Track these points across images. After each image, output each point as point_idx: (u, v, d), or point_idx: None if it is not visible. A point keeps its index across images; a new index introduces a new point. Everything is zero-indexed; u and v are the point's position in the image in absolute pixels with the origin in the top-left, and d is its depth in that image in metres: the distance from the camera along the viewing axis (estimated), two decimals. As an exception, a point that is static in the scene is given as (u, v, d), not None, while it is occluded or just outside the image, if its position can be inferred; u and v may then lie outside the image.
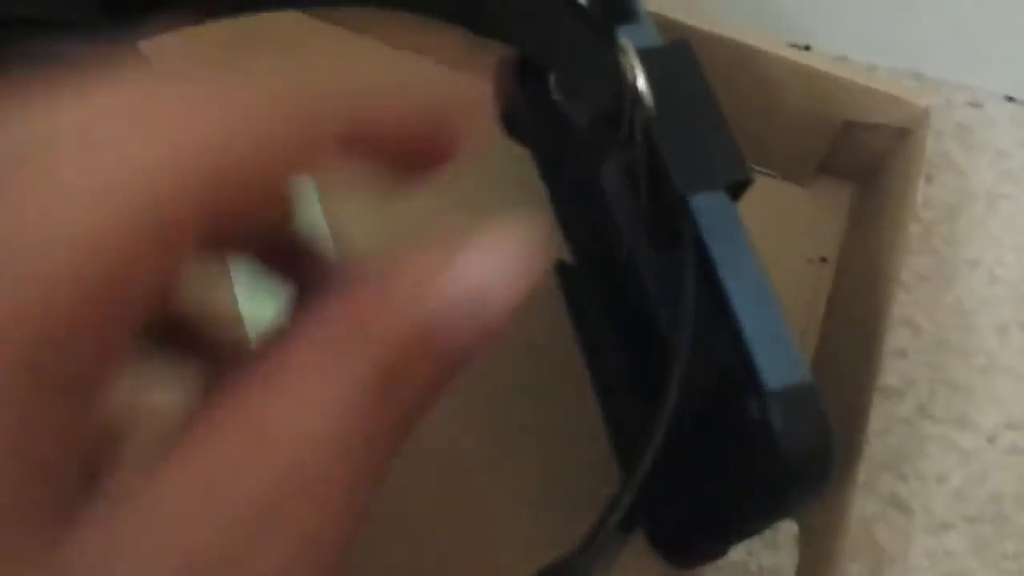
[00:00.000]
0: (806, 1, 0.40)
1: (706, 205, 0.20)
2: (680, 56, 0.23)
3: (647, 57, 0.22)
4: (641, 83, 0.21)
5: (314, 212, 0.34)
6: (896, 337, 0.34)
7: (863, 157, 0.35)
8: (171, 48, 0.31)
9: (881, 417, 0.32)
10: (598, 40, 0.24)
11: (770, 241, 0.35)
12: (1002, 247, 0.36)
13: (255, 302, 0.31)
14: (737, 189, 0.21)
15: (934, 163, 0.38)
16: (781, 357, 0.18)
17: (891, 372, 0.33)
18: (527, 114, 0.36)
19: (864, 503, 0.31)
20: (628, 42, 0.22)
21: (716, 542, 0.22)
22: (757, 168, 0.37)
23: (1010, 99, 0.40)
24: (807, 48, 0.42)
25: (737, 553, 0.31)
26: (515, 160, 0.36)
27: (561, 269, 0.32)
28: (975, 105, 0.40)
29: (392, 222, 0.34)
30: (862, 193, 0.36)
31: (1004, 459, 0.32)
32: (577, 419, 0.31)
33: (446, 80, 0.17)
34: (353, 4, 0.33)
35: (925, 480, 0.32)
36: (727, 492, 0.21)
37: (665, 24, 0.32)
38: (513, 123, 0.36)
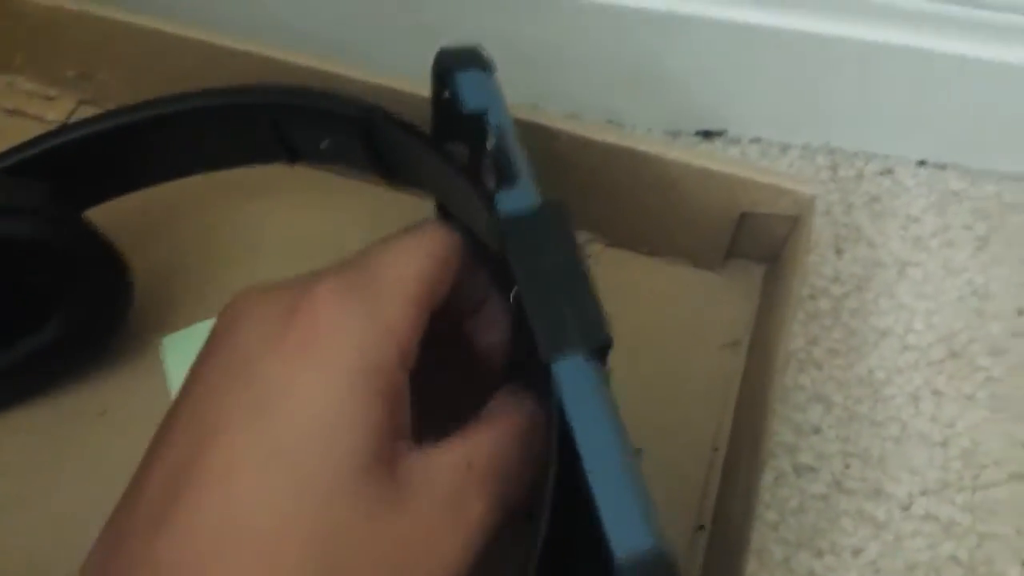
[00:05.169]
0: (721, 88, 0.42)
1: (568, 370, 0.21)
2: (551, 217, 0.24)
3: (518, 223, 0.24)
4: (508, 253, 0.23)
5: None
6: (809, 414, 0.35)
7: (765, 242, 0.36)
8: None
9: (796, 495, 0.34)
10: (485, 205, 0.26)
11: (684, 329, 0.37)
12: (912, 314, 0.37)
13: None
14: (602, 351, 0.22)
15: (844, 236, 0.39)
16: (632, 524, 0.19)
17: (805, 449, 0.35)
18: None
19: (784, 581, 0.33)
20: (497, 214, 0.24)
21: None
22: (669, 259, 0.38)
23: (922, 163, 0.42)
24: (722, 133, 0.44)
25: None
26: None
27: None
28: (886, 173, 0.41)
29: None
30: (768, 275, 0.37)
31: (918, 527, 0.33)
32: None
33: None
34: (283, 162, 0.36)
35: (841, 555, 0.33)
36: None
37: (560, 137, 0.35)
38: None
